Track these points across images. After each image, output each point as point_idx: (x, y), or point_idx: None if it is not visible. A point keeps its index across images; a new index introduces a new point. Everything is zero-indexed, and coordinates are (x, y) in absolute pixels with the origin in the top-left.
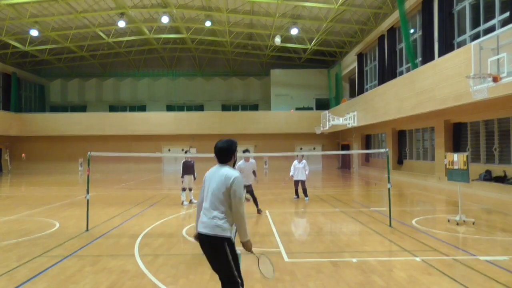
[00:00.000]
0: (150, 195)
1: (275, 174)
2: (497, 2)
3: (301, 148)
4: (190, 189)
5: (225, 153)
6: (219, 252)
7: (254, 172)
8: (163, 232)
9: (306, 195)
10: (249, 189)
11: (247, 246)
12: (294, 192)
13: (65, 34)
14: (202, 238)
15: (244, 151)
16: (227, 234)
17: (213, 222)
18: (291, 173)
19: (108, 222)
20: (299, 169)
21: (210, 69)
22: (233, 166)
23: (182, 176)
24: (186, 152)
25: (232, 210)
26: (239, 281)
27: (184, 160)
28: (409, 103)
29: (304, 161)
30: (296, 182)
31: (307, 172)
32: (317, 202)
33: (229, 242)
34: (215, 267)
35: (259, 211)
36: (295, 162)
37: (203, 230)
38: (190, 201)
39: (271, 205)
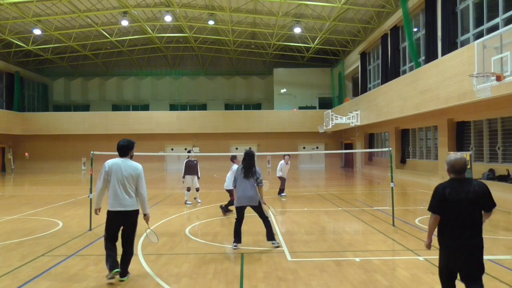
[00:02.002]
0: (153, 194)
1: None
2: (500, 0)
3: (304, 147)
4: (197, 189)
5: (126, 148)
6: (132, 221)
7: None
8: (166, 231)
9: (282, 192)
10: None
11: (147, 218)
12: (282, 191)
13: (68, 33)
14: (117, 214)
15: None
16: (137, 208)
17: (129, 201)
18: (280, 173)
19: None
20: (286, 170)
21: (213, 68)
22: (130, 159)
23: (184, 176)
24: (189, 152)
25: (137, 191)
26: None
27: (187, 159)
28: (412, 102)
29: (289, 162)
30: (282, 178)
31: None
32: (320, 201)
33: (138, 213)
34: (126, 235)
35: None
36: (282, 162)
37: (120, 208)
38: (195, 199)
39: (273, 204)
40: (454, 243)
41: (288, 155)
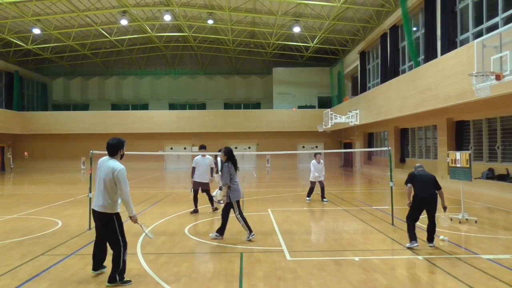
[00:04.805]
0: (152, 194)
1: (277, 172)
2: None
3: (303, 147)
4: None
5: (114, 148)
6: (106, 224)
7: (212, 170)
8: (165, 231)
9: (324, 196)
10: (204, 188)
11: (133, 219)
12: (308, 193)
13: (67, 32)
14: (94, 213)
15: (201, 147)
16: (115, 211)
17: (102, 203)
18: (316, 174)
19: None
20: (319, 170)
21: (213, 68)
22: (120, 158)
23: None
24: (219, 151)
25: (119, 193)
26: (122, 244)
27: (220, 158)
28: (411, 101)
29: (322, 160)
30: (314, 183)
31: (323, 172)
32: (319, 201)
33: (117, 216)
34: (104, 234)
35: (214, 209)
36: (314, 162)
37: (95, 207)
38: (218, 201)
39: (273, 204)
40: (423, 198)
41: (319, 153)
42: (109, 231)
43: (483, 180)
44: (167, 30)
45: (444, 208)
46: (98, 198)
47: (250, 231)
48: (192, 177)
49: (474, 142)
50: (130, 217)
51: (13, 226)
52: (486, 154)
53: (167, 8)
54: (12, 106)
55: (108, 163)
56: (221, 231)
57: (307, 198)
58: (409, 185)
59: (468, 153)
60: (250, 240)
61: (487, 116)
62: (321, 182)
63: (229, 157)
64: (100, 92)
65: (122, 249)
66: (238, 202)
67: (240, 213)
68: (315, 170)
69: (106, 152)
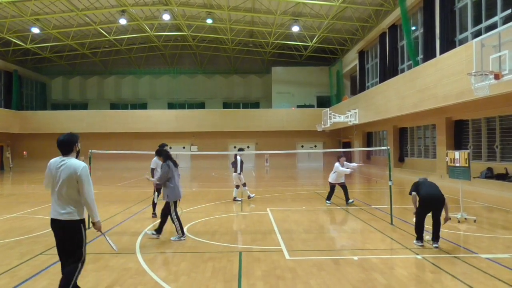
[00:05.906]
0: (151, 193)
1: (276, 172)
2: None
3: (302, 146)
4: (244, 185)
5: (67, 144)
6: (70, 234)
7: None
8: (164, 230)
9: (349, 197)
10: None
11: (97, 226)
12: (329, 197)
13: (66, 32)
14: (55, 223)
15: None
16: (82, 216)
17: (72, 210)
18: (335, 178)
19: (109, 220)
20: (341, 173)
21: (211, 67)
22: (77, 156)
23: (240, 173)
24: (240, 150)
25: (81, 196)
26: (83, 258)
27: (240, 156)
28: (410, 100)
29: (345, 163)
30: (334, 186)
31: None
32: (319, 200)
33: (83, 223)
34: (66, 248)
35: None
36: (338, 165)
37: (55, 216)
38: (248, 197)
39: (272, 203)
40: (430, 195)
41: (343, 156)
42: (74, 242)
43: (482, 180)
44: (166, 29)
45: (446, 219)
46: (60, 205)
47: (183, 233)
48: (153, 178)
49: (473, 142)
50: (93, 223)
51: (12, 225)
52: (485, 153)
53: (166, 7)
54: (11, 105)
55: (66, 163)
56: (159, 230)
57: (328, 201)
58: (413, 193)
59: (467, 152)
60: (172, 240)
61: (486, 116)
62: (343, 184)
63: (166, 157)
64: (99, 91)
65: (81, 264)
66: (176, 202)
67: (176, 214)
68: (339, 173)
69: (105, 152)
